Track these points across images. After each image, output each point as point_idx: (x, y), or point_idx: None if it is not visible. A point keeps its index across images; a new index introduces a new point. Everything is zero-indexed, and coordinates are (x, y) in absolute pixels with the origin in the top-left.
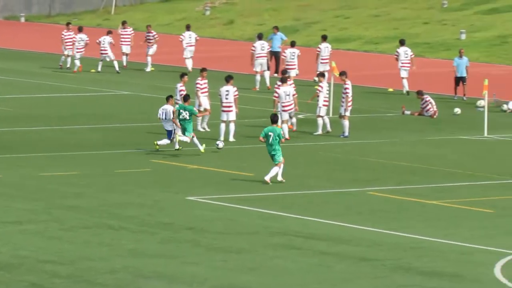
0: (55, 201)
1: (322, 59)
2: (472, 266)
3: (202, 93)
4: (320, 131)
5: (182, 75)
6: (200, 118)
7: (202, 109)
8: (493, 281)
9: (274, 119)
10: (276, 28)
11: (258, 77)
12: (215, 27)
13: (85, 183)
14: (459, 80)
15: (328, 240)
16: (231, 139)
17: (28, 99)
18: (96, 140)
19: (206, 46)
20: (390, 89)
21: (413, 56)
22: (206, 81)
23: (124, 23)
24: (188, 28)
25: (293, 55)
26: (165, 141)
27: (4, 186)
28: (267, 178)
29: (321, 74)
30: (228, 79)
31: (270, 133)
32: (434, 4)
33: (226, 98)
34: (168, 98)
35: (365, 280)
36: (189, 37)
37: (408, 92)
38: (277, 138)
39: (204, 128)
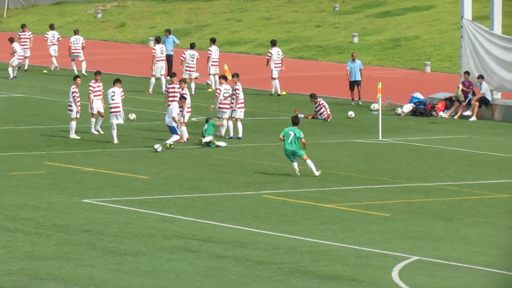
0: None
1: (213, 61)
2: (370, 270)
3: (95, 96)
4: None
5: (75, 77)
6: (94, 120)
7: (94, 111)
8: (391, 285)
9: (295, 121)
10: (168, 31)
11: (153, 80)
12: (107, 30)
13: None
14: (353, 84)
15: (225, 243)
16: (116, 141)
17: None
18: None
19: (98, 48)
20: (284, 92)
21: (283, 56)
22: (100, 84)
23: (23, 26)
24: (76, 33)
25: (193, 57)
26: (174, 137)
27: None
28: (316, 173)
29: (223, 77)
30: (115, 81)
31: (290, 132)
32: (326, 7)
33: (113, 99)
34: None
35: (262, 283)
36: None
37: (278, 94)
38: (297, 138)
39: (98, 131)
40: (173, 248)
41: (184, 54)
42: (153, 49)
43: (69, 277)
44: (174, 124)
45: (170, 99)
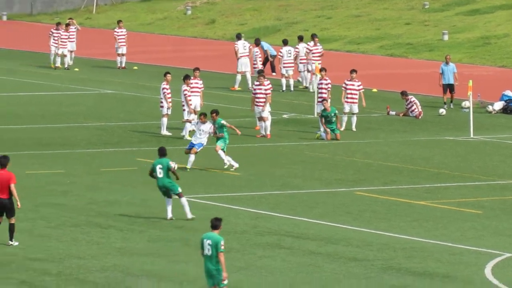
0: (42, 199)
1: (301, 59)
2: (463, 267)
3: (193, 92)
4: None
5: (165, 73)
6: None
7: (192, 107)
8: (484, 281)
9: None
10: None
11: (238, 77)
12: (197, 27)
13: (70, 181)
14: (446, 88)
15: (317, 240)
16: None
17: (11, 98)
18: (80, 138)
19: (188, 45)
20: (374, 90)
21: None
22: (198, 80)
23: (119, 22)
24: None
25: (290, 53)
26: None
27: None
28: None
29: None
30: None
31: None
32: (415, 5)
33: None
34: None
35: (355, 280)
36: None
37: (306, 87)
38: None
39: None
40: (266, 245)
41: (281, 52)
42: (236, 45)
43: (162, 274)
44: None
45: (256, 100)
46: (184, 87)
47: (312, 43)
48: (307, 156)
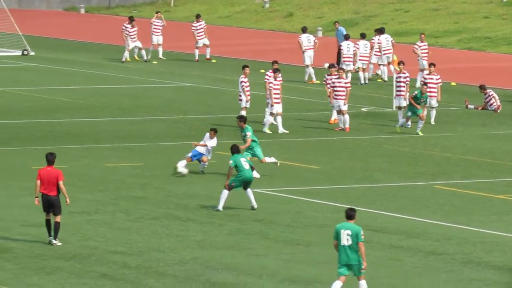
0: (121, 192)
1: (376, 51)
2: None
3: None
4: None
5: (244, 67)
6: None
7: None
8: None
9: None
10: (337, 23)
11: (308, 70)
12: (275, 20)
13: (150, 174)
14: None
15: (397, 233)
16: (281, 130)
17: (90, 90)
18: (158, 131)
19: (266, 38)
20: (453, 83)
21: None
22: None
23: (198, 16)
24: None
25: (349, 48)
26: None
27: (69, 177)
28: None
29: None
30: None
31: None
32: None
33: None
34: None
35: (436, 274)
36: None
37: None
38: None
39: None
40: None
41: (357, 44)
42: (299, 38)
43: (241, 267)
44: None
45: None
46: (270, 79)
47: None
48: (385, 150)
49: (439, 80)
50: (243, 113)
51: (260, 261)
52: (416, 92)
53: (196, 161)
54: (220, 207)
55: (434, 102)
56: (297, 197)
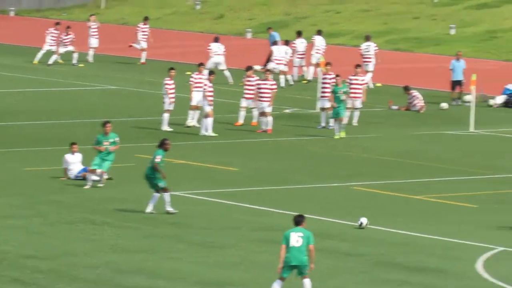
0: (39, 196)
1: (298, 54)
2: (455, 261)
3: (195, 87)
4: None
5: (170, 69)
6: (192, 113)
7: (193, 103)
8: (476, 276)
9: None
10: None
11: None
12: (205, 22)
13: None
14: (455, 84)
15: (313, 235)
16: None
17: (14, 94)
18: (81, 135)
19: (195, 40)
20: (378, 84)
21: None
22: (201, 76)
23: (146, 19)
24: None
25: (279, 51)
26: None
27: None
28: None
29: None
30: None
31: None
32: None
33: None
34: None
35: (350, 275)
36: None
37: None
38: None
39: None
40: (261, 240)
41: (294, 43)
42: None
43: (154, 270)
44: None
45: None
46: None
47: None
48: (306, 151)
49: (365, 81)
50: (166, 115)
51: (174, 264)
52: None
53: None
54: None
55: (358, 103)
56: (213, 200)
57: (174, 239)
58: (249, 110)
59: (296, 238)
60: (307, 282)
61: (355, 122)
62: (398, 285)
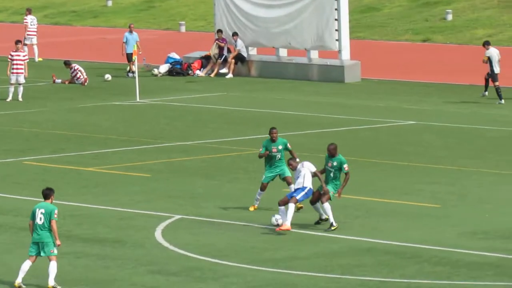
0: None
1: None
2: (133, 231)
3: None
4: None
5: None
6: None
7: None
8: (154, 244)
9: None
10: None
11: None
12: None
13: None
14: (130, 56)
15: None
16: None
17: None
18: None
19: None
20: (40, 59)
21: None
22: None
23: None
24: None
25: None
26: None
27: None
28: None
29: None
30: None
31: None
32: None
33: None
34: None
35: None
36: None
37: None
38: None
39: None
40: None
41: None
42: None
43: None
44: None
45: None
46: None
47: None
48: None
49: (26, 57)
50: None
51: None
52: None
53: None
54: None
55: (21, 79)
56: None
57: None
58: None
59: (39, 216)
60: (53, 264)
61: (20, 97)
62: (76, 258)
